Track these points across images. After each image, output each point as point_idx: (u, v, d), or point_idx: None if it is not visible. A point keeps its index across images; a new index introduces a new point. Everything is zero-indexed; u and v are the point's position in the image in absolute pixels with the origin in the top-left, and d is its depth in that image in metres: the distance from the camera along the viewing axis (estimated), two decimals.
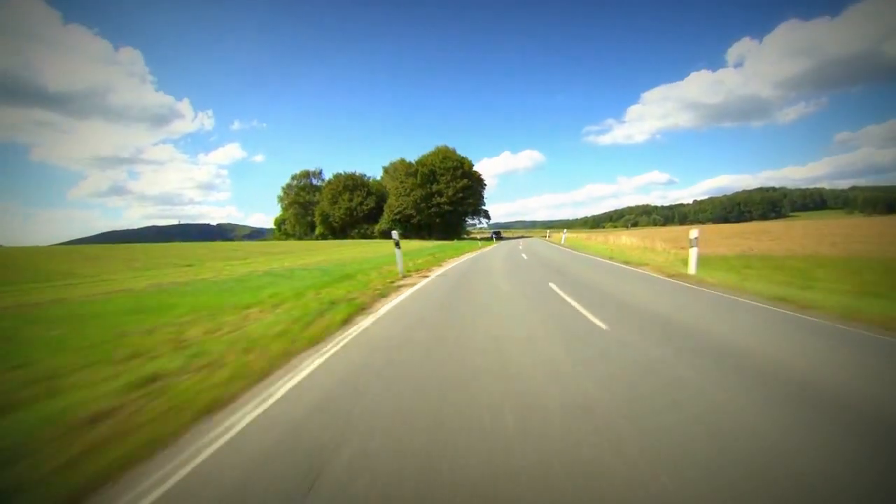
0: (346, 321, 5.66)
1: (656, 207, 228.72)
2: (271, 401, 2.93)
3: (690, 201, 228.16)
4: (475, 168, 64.48)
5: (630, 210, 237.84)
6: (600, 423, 2.37)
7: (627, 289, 7.95)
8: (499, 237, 52.10)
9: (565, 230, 46.60)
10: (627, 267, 11.92)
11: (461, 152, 63.02)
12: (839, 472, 1.86)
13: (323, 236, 75.51)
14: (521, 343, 4.22)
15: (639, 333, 4.42)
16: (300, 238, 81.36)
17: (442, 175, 59.02)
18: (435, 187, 58.91)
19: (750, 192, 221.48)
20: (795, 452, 2.03)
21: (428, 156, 62.89)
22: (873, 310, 5.02)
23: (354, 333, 4.94)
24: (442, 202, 58.76)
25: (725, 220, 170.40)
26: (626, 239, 22.54)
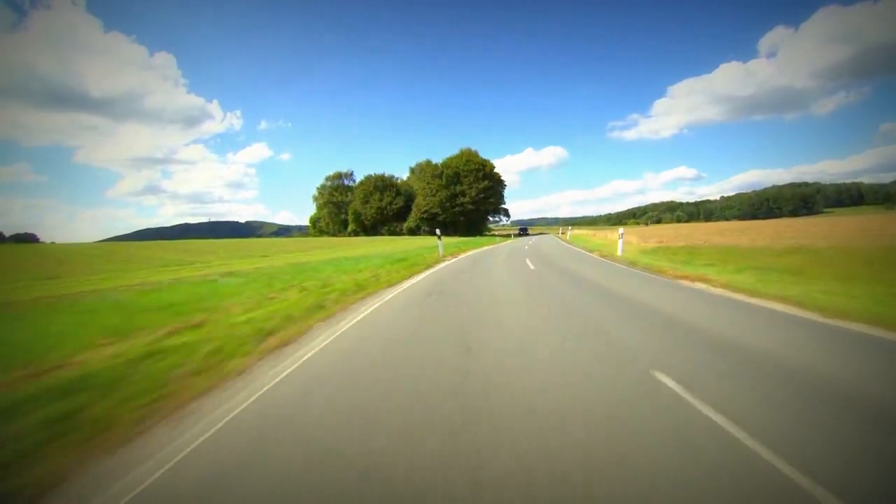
0: (421, 273, 11.95)
1: (681, 204, 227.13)
2: (406, 285, 9.19)
3: (717, 197, 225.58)
4: (500, 165, 70.66)
5: (654, 207, 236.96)
6: (518, 292, 8.51)
7: (565, 260, 13.97)
8: (525, 233, 56.97)
9: (570, 228, 52.63)
10: (583, 251, 17.89)
11: (484, 150, 69.17)
12: (639, 337, 7.93)
13: (355, 233, 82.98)
14: (502, 276, 10.40)
15: (549, 272, 10.49)
16: (333, 235, 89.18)
17: (465, 177, 65.36)
18: (458, 188, 65.35)
19: (780, 187, 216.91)
20: (603, 314, 8.13)
21: (452, 158, 69.24)
22: (673, 267, 10.90)
23: (429, 273, 11.21)
24: (465, 202, 65.16)
25: (753, 217, 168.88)
26: (612, 235, 28.20)
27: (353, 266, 14.27)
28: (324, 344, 4.61)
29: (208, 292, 9.18)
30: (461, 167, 65.89)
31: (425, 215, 68.12)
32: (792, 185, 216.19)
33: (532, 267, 12.06)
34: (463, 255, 19.18)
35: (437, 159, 73.55)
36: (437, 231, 18.94)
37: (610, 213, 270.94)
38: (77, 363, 3.82)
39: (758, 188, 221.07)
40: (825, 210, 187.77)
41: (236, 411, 2.90)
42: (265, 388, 3.31)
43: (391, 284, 9.49)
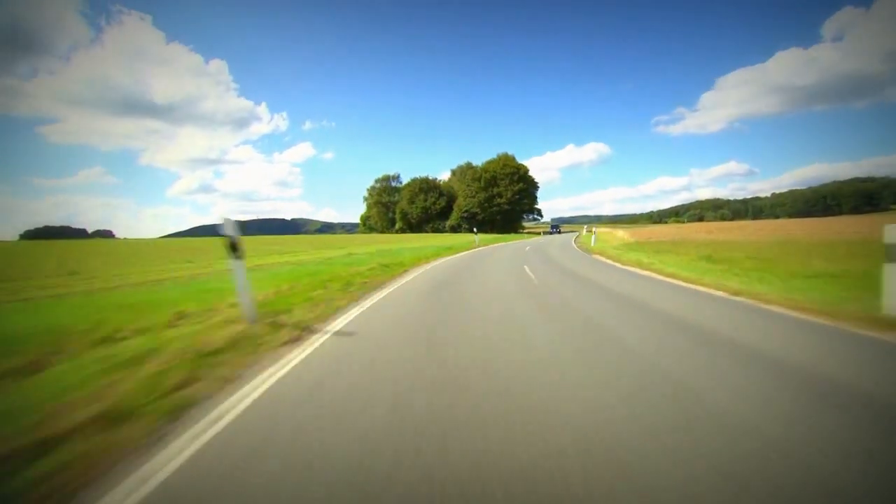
0: (463, 252, 20.25)
1: (727, 202, 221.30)
2: (458, 256, 17.49)
3: (769, 194, 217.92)
4: (540, 162, 77.48)
5: (699, 204, 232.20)
6: (511, 255, 16.58)
7: (551, 246, 21.71)
8: (556, 231, 61.48)
9: (592, 227, 58.81)
10: (571, 242, 25.45)
11: (524, 147, 76.50)
12: (613, 318, 15.93)
13: (402, 230, 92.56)
14: (507, 252, 18.47)
15: (534, 252, 18.46)
16: (382, 232, 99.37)
17: (502, 180, 73.11)
18: (496, 190, 73.20)
19: (841, 182, 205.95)
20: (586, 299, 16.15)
21: (490, 162, 77.07)
22: (619, 255, 18.51)
23: (470, 252, 19.52)
24: (502, 203, 72.96)
25: (808, 215, 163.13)
26: (622, 233, 35.18)
27: (421, 250, 22.77)
28: (434, 263, 12.94)
29: (355, 261, 17.74)
30: (498, 171, 73.67)
31: (466, 214, 76.39)
32: (855, 181, 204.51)
33: (527, 249, 20.14)
34: (492, 246, 27.28)
35: (478, 158, 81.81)
36: (475, 229, 27.07)
37: (652, 211, 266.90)
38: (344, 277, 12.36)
39: (820, 182, 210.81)
40: (893, 207, 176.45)
41: (400, 283, 11.20)
42: (412, 277, 11.64)
43: (449, 255, 17.80)
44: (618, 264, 13.07)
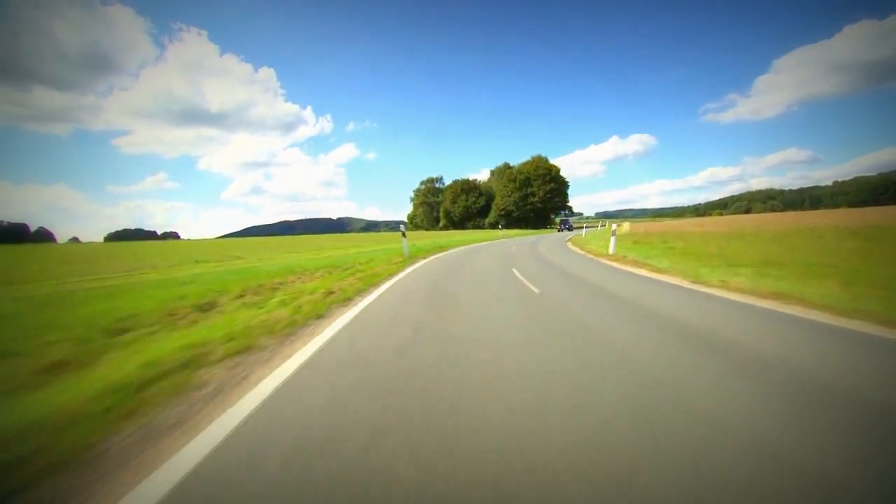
0: (493, 240, 30.37)
1: (781, 192, 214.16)
2: (481, 244, 27.63)
3: (830, 182, 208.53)
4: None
5: (748, 196, 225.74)
6: (494, 255, 26.49)
7: (545, 239, 31.16)
8: (568, 227, 53.14)
9: (612, 223, 64.85)
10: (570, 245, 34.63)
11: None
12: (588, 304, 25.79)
13: (445, 227, 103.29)
14: (519, 241, 28.35)
15: (533, 241, 28.20)
16: (427, 229, 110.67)
17: (535, 180, 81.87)
18: (529, 190, 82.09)
19: None
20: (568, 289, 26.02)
21: (525, 164, 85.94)
22: (626, 255, 27.93)
23: (497, 241, 29.62)
24: (535, 201, 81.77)
25: (875, 203, 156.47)
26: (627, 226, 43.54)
27: (462, 241, 33.06)
28: (469, 247, 23.13)
29: (423, 246, 28.19)
30: (531, 172, 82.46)
31: (503, 212, 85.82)
32: None
33: (534, 239, 29.68)
34: (514, 238, 37.02)
35: (520, 154, 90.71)
36: (500, 224, 36.97)
37: (699, 204, 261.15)
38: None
39: (889, 169, 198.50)
40: None
41: (450, 252, 21.43)
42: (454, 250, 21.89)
43: (481, 243, 27.89)
44: (575, 248, 22.46)
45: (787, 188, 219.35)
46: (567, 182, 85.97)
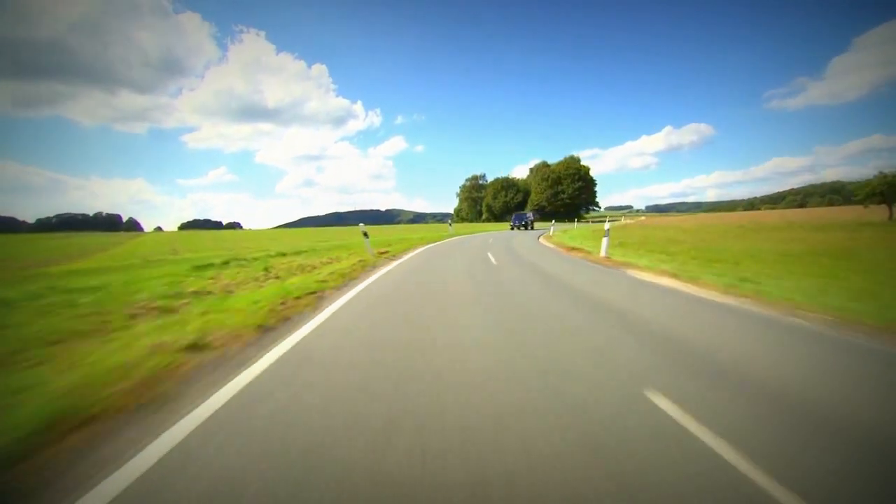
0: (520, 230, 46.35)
1: (843, 184, 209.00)
2: (510, 231, 43.57)
3: None
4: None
5: (812, 189, 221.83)
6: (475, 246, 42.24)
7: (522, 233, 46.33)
8: (524, 224, 41.92)
9: (621, 218, 76.99)
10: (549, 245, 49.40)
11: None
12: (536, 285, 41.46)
13: (487, 220, 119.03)
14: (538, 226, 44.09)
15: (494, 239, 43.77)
16: (471, 222, 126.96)
17: (565, 179, 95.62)
18: (560, 188, 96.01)
19: None
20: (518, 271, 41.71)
21: (557, 164, 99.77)
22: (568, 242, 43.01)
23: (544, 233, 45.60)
24: (564, 198, 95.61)
25: None
26: (625, 220, 57.32)
27: (497, 230, 48.97)
28: (501, 233, 39.04)
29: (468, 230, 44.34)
30: (562, 172, 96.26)
31: (536, 207, 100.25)
32: None
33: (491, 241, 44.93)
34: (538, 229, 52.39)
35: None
36: (512, 218, 52.20)
37: (754, 197, 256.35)
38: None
39: None
40: None
41: (483, 234, 37.40)
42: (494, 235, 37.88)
43: (508, 231, 43.63)
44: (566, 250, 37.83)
45: (850, 180, 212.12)
46: (594, 181, 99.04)
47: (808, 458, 1.87)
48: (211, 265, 9.89)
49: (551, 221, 44.72)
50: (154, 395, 2.54)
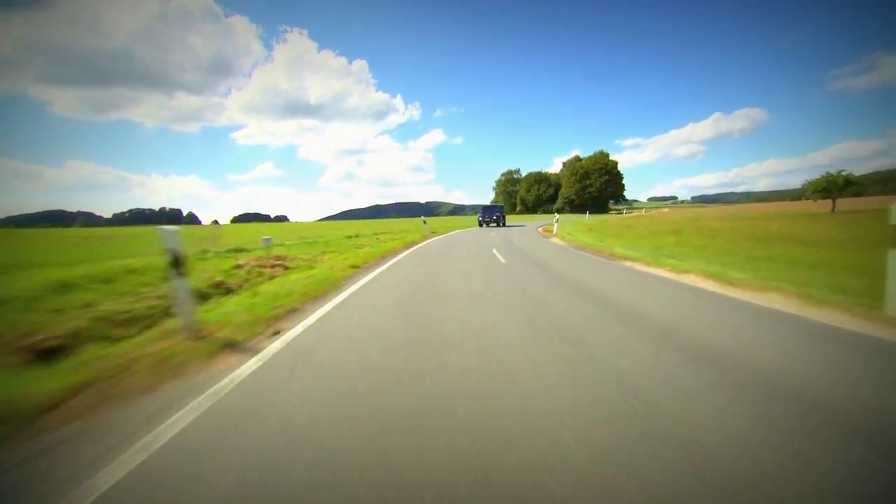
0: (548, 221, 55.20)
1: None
2: (539, 221, 52.55)
3: None
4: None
5: (876, 176, 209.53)
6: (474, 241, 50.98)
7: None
8: (494, 219, 35.58)
9: (642, 210, 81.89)
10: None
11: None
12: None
13: (521, 212, 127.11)
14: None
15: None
16: (507, 213, 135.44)
17: (592, 174, 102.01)
18: (587, 182, 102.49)
19: None
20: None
21: (586, 160, 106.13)
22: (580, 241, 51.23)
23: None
24: (592, 191, 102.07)
25: None
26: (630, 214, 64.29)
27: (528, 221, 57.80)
28: (533, 224, 48.23)
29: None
30: (590, 167, 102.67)
31: (566, 199, 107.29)
32: None
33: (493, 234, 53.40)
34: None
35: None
36: (556, 214, 60.63)
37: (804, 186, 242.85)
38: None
39: None
40: None
41: (512, 224, 46.69)
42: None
43: (539, 221, 52.52)
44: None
45: None
46: (621, 175, 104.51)
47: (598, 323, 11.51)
48: (315, 242, 20.06)
49: (554, 216, 52.51)
50: (350, 276, 12.58)
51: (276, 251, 12.24)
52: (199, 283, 6.50)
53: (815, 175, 39.21)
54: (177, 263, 3.74)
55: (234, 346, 3.64)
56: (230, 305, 5.30)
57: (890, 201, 4.61)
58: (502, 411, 2.32)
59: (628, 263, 9.33)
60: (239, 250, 12.72)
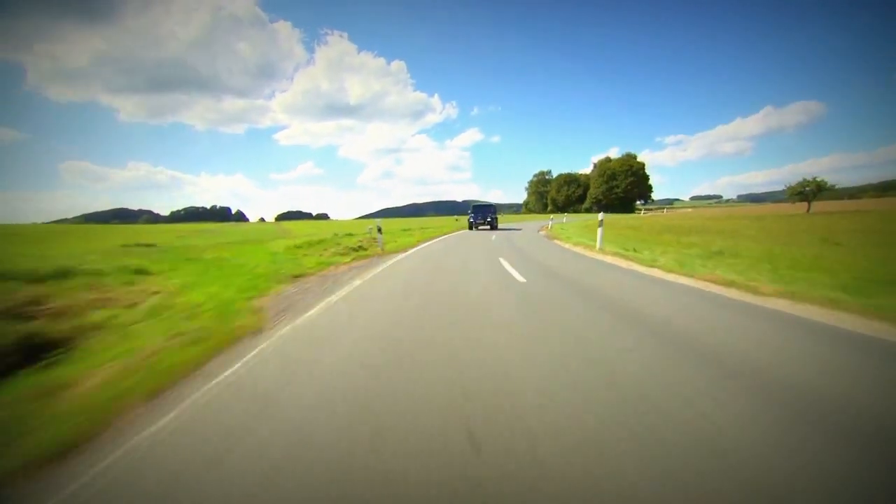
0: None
1: None
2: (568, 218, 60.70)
3: None
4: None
5: None
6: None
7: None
8: (487, 221, 29.75)
9: (663, 209, 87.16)
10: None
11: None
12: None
13: (552, 211, 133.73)
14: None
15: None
16: (538, 213, 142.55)
17: (619, 175, 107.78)
18: (614, 183, 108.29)
19: None
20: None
21: (614, 161, 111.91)
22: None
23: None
24: (618, 192, 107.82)
25: None
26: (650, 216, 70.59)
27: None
28: (560, 219, 56.44)
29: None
30: (617, 169, 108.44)
31: (594, 200, 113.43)
32: None
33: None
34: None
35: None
36: (600, 214, 68.11)
37: (885, 181, 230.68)
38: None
39: None
40: None
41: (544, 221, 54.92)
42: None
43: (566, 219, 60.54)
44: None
45: None
46: (647, 175, 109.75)
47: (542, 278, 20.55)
48: (386, 231, 29.56)
49: (562, 215, 59.31)
50: (425, 239, 21.94)
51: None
52: (356, 242, 15.92)
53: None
54: (379, 230, 13.18)
55: (397, 254, 12.95)
56: (387, 248, 14.67)
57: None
58: (481, 300, 11.38)
59: (569, 245, 17.95)
60: (350, 234, 22.09)
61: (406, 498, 1.70)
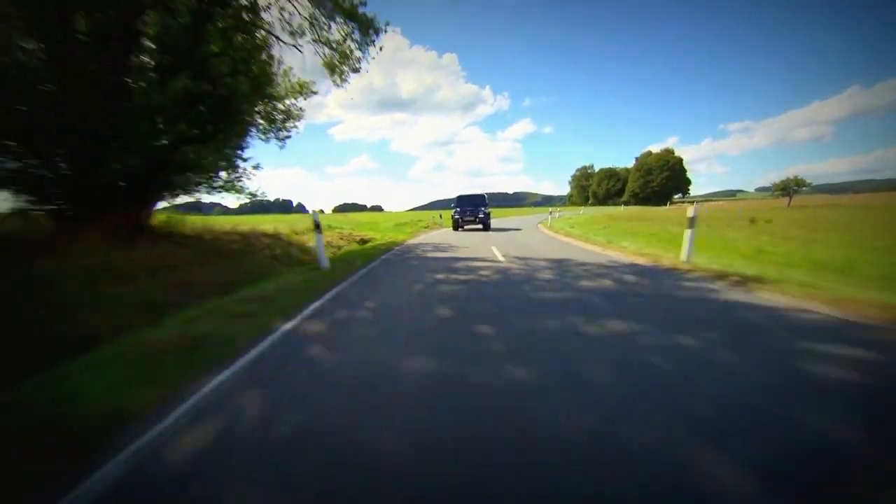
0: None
1: None
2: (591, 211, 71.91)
3: None
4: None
5: None
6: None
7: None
8: (479, 217, 22.59)
9: (693, 203, 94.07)
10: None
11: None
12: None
13: (593, 204, 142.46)
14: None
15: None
16: (580, 205, 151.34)
17: (654, 170, 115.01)
18: (650, 177, 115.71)
19: None
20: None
21: (651, 157, 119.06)
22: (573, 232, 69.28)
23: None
24: (653, 186, 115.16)
25: None
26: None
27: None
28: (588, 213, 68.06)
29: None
30: (653, 164, 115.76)
31: (631, 193, 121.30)
32: None
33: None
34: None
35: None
36: (622, 203, 78.52)
37: None
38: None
39: None
40: None
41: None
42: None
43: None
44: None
45: None
46: (684, 170, 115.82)
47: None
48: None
49: (555, 210, 68.89)
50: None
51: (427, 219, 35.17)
52: (426, 224, 29.80)
53: None
54: (440, 216, 26.95)
55: (432, 231, 26.82)
56: (444, 225, 28.46)
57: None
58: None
59: (543, 228, 30.67)
60: (419, 220, 36.07)
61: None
